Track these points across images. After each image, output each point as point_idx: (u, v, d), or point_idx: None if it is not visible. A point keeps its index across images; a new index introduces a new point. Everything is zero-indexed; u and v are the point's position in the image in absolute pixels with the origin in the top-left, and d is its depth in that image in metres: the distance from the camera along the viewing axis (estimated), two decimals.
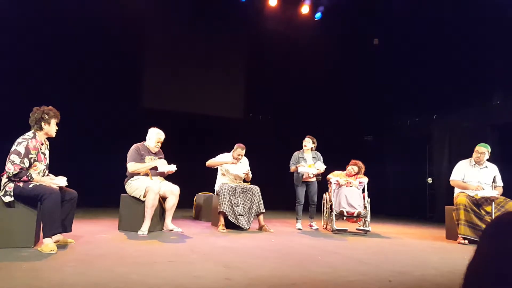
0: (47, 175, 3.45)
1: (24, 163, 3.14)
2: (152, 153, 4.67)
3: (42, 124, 3.30)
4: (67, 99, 6.77)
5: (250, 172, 5.30)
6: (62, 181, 3.33)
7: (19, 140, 3.20)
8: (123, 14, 7.47)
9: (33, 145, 3.21)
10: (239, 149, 5.30)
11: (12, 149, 3.16)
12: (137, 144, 4.67)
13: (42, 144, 3.35)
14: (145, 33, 8.36)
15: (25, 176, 3.13)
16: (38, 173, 3.29)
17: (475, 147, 4.86)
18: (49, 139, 3.52)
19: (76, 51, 7.27)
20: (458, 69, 7.44)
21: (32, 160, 3.21)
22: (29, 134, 3.28)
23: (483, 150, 4.77)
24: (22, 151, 3.14)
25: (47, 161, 3.45)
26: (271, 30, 8.81)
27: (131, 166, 4.48)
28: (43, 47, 6.96)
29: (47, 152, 3.46)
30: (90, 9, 7.14)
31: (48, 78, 6.95)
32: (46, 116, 3.30)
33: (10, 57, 6.58)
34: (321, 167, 5.46)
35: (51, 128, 3.36)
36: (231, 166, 5.31)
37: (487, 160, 4.84)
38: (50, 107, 3.38)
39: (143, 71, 8.34)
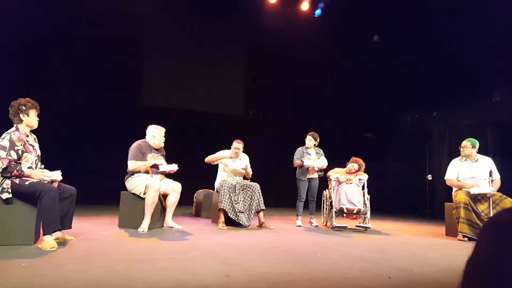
0: (40, 167, 3.45)
1: (11, 156, 3.13)
2: (154, 149, 4.67)
3: (21, 116, 3.29)
4: (67, 97, 6.75)
5: (250, 169, 5.30)
6: (57, 175, 3.32)
7: (2, 136, 3.21)
8: (122, 13, 7.44)
9: (17, 136, 3.22)
10: (235, 143, 5.31)
11: None
12: (139, 141, 4.65)
13: (27, 136, 3.34)
14: (145, 31, 8.34)
15: (15, 170, 3.12)
16: (31, 164, 3.29)
17: None
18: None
19: (76, 50, 7.26)
20: (458, 66, 7.42)
21: (20, 152, 3.20)
22: (12, 128, 3.30)
23: (465, 143, 4.83)
24: (7, 144, 3.14)
25: (38, 152, 3.45)
26: (271, 27, 8.78)
27: (132, 165, 4.48)
28: (42, 46, 6.94)
29: (36, 145, 3.45)
30: (89, 8, 7.12)
31: (47, 76, 6.94)
32: (23, 107, 3.29)
33: (9, 56, 6.55)
34: (324, 162, 5.52)
35: (31, 119, 3.35)
36: (230, 162, 5.32)
37: (479, 153, 4.85)
38: (27, 98, 3.36)
39: (142, 69, 8.33)
